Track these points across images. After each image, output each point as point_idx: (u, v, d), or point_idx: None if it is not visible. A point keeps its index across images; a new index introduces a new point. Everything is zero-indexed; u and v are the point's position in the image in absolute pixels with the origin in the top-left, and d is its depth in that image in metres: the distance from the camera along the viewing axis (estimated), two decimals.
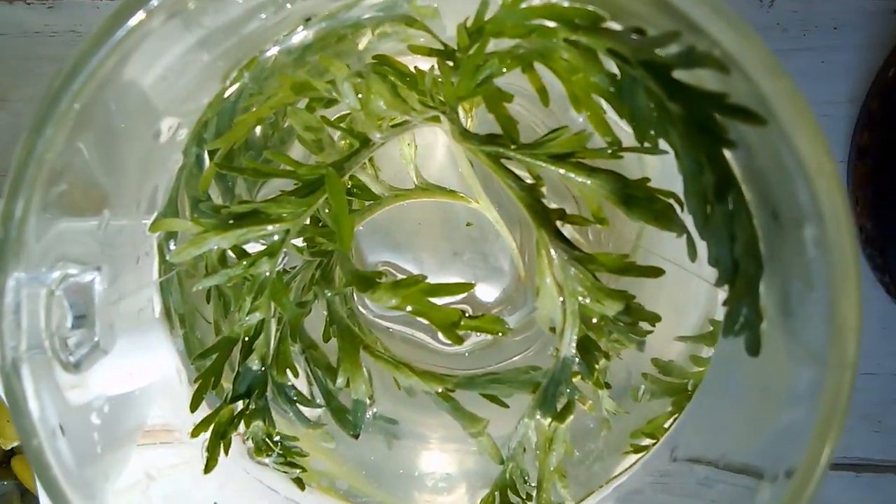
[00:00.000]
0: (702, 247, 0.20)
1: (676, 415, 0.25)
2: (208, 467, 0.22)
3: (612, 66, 0.20)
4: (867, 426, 0.42)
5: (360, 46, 0.26)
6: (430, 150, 0.33)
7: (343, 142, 0.26)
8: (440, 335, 0.32)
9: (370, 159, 0.29)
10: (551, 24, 0.20)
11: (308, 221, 0.27)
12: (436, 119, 0.24)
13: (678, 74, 0.17)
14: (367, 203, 0.29)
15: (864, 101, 0.40)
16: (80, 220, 0.19)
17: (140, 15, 0.16)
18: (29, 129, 0.16)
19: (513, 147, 0.21)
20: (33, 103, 0.43)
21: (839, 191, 0.15)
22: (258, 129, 0.26)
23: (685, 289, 0.26)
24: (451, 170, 0.33)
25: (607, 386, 0.24)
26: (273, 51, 0.22)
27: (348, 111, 0.28)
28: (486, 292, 0.33)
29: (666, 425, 0.25)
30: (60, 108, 0.16)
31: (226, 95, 0.23)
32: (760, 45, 0.15)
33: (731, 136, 0.16)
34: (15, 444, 0.35)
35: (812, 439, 0.16)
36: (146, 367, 0.24)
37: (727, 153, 0.18)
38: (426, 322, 0.32)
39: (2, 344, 0.17)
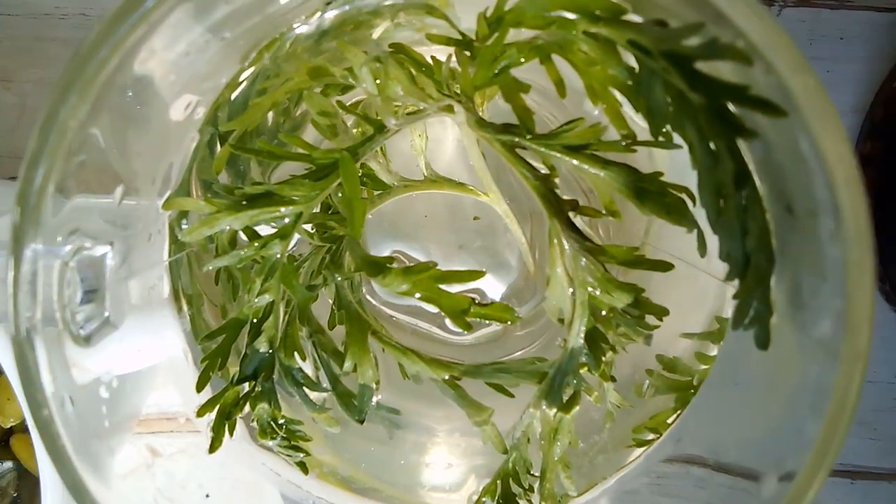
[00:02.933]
0: (711, 242, 0.20)
1: (679, 411, 0.25)
2: (213, 447, 0.22)
3: (630, 60, 0.20)
4: (863, 433, 0.42)
5: (375, 35, 0.26)
6: (440, 144, 0.33)
7: (356, 129, 0.26)
8: (448, 324, 0.32)
9: (381, 148, 0.29)
10: (571, 15, 0.20)
11: (318, 207, 0.27)
12: (449, 109, 0.24)
13: (699, 66, 0.17)
14: (376, 193, 0.29)
15: (867, 112, 0.40)
16: (95, 196, 0.19)
17: None
18: (53, 97, 0.16)
19: (528, 137, 0.21)
20: (40, 85, 0.43)
21: (858, 181, 0.15)
22: (270, 116, 0.26)
23: (692, 286, 0.26)
24: (459, 165, 0.33)
25: (613, 379, 0.24)
26: (293, 33, 0.22)
27: (361, 99, 0.28)
28: (492, 286, 0.33)
29: (669, 421, 0.25)
30: (86, 76, 0.16)
31: (243, 77, 0.23)
32: (784, 36, 0.15)
33: (751, 128, 0.16)
34: (14, 422, 0.35)
35: (820, 436, 0.16)
36: (154, 345, 0.24)
37: (742, 147, 0.18)
38: (432, 312, 0.32)
39: (17, 314, 0.17)
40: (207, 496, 0.25)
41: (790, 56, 0.15)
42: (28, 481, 0.34)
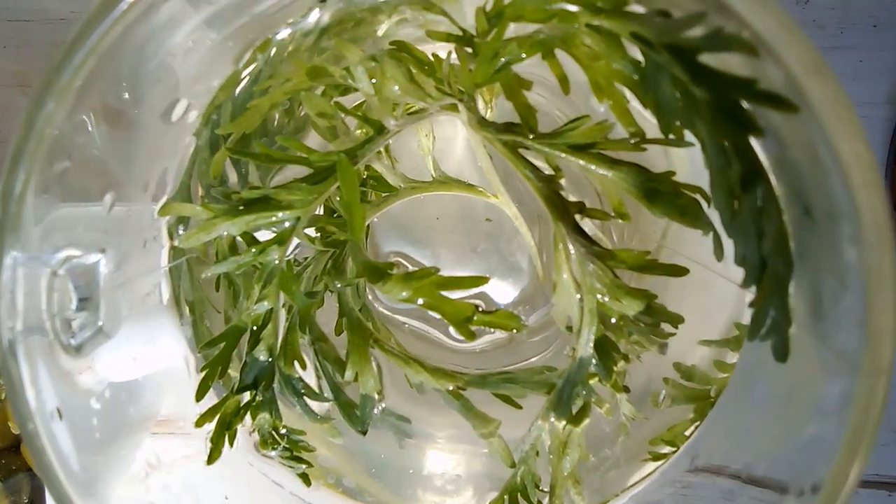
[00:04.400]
0: (729, 246, 0.19)
1: (698, 422, 0.24)
2: (211, 458, 0.22)
3: (637, 54, 0.19)
4: None
5: (380, 33, 0.25)
6: (450, 143, 0.32)
7: (359, 131, 0.26)
8: (453, 331, 0.31)
9: (386, 150, 0.28)
10: (573, 7, 0.19)
11: (322, 211, 0.26)
12: (453, 108, 0.24)
13: (705, 59, 0.16)
14: (382, 195, 0.29)
15: None
16: (83, 204, 0.19)
17: None
18: (29, 104, 0.16)
19: (531, 136, 0.20)
20: None
21: (877, 183, 0.14)
22: (276, 116, 0.26)
23: (711, 291, 0.24)
24: (471, 164, 0.32)
25: (626, 389, 0.23)
26: (286, 32, 0.22)
27: (364, 100, 0.28)
28: (505, 291, 0.32)
29: (687, 433, 0.24)
30: (61, 81, 0.15)
31: (240, 78, 0.22)
32: (792, 25, 0.14)
33: (760, 125, 0.15)
34: None
35: (841, 451, 0.15)
36: (151, 354, 0.23)
37: (757, 145, 0.17)
38: (439, 318, 0.31)
39: None
40: (227, 498, 0.24)
41: (798, 47, 0.14)
42: (40, 486, 0.35)
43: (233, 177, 0.26)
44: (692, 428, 0.24)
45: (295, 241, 0.23)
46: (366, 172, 0.28)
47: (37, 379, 0.17)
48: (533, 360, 0.32)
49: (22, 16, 0.42)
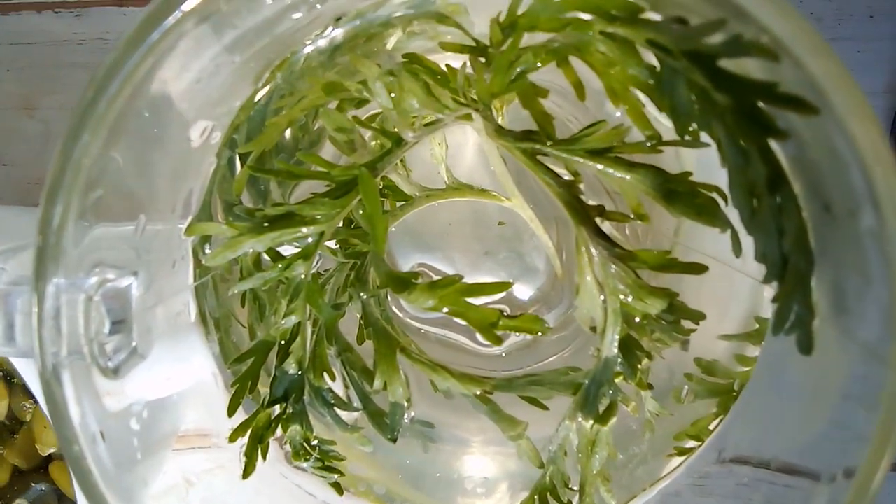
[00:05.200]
0: (746, 242, 0.19)
1: (722, 416, 0.24)
2: (246, 472, 0.22)
3: (650, 58, 0.19)
4: None
5: (389, 46, 0.26)
6: (460, 150, 0.33)
7: (374, 142, 0.26)
8: (477, 336, 0.32)
9: (401, 160, 0.29)
10: (587, 16, 0.20)
11: (341, 223, 0.27)
12: (468, 117, 0.24)
13: (723, 64, 0.16)
14: (398, 204, 0.29)
15: None
16: (116, 226, 0.19)
17: (174, 16, 0.16)
18: (65, 136, 0.16)
19: (549, 143, 0.21)
20: (62, 111, 0.43)
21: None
22: (288, 133, 0.26)
23: (727, 286, 0.25)
24: (482, 170, 0.32)
25: (650, 387, 0.23)
26: (305, 51, 0.22)
27: (378, 112, 0.28)
28: (521, 292, 0.32)
29: (711, 427, 0.24)
30: (97, 113, 0.16)
31: (257, 98, 0.23)
32: (811, 29, 0.14)
33: (781, 127, 0.15)
34: (52, 450, 0.35)
35: (875, 438, 0.16)
36: (183, 372, 0.24)
37: (773, 144, 0.17)
38: (461, 323, 0.31)
39: (42, 350, 0.17)
40: None
41: (817, 50, 0.14)
42: None
43: (247, 194, 0.26)
44: (716, 421, 0.25)
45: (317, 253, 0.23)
46: (381, 183, 0.28)
47: (80, 402, 0.18)
48: (551, 359, 0.32)
49: (25, 39, 0.42)
